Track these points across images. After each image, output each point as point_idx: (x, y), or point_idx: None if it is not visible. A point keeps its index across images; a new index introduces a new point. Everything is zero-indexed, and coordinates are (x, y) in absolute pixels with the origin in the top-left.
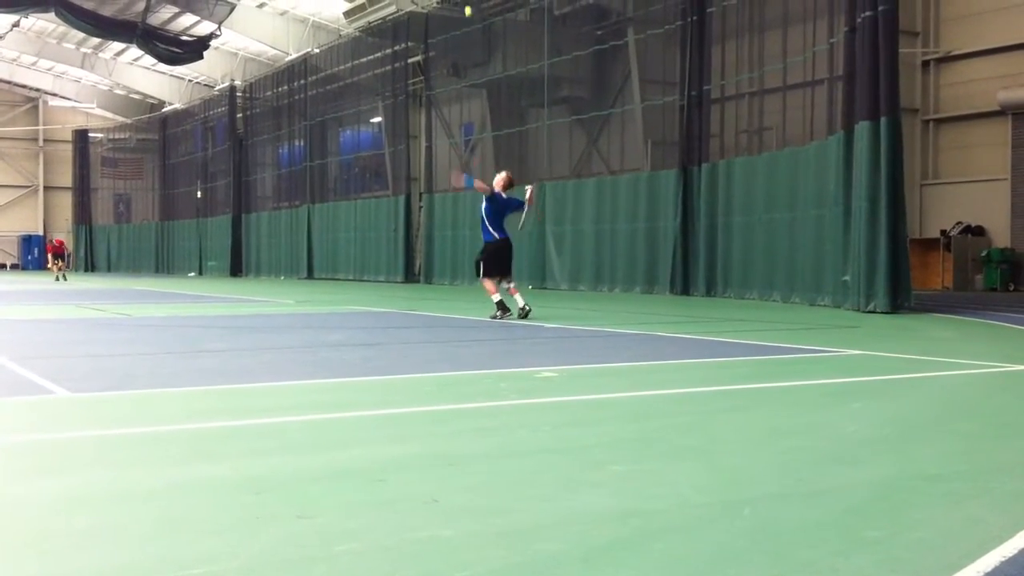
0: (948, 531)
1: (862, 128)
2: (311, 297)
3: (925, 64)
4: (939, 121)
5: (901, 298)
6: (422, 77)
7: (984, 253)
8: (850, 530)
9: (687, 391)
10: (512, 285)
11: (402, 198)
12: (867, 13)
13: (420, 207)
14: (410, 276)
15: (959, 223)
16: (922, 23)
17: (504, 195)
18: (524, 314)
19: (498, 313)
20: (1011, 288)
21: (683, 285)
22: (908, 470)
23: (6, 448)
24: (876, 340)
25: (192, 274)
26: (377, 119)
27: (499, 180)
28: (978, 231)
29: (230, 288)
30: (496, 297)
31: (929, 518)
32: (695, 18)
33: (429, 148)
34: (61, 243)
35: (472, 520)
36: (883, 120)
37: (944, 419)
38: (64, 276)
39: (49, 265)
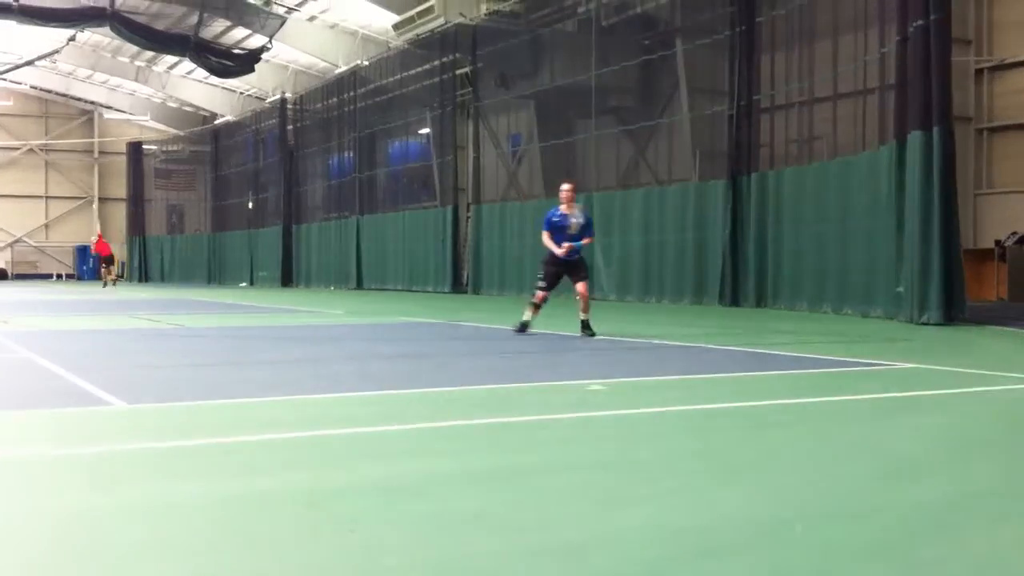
0: (1005, 552)
1: (914, 138)
2: (360, 308)
3: (979, 72)
4: (993, 130)
5: (955, 310)
6: (470, 88)
7: None
8: (906, 550)
9: (738, 405)
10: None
11: (450, 209)
12: (919, 22)
13: (468, 217)
14: (457, 287)
15: (1014, 233)
16: (975, 30)
17: (566, 215)
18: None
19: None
20: None
21: (732, 296)
22: (963, 488)
23: (66, 460)
24: (930, 353)
25: (243, 284)
26: (425, 130)
27: (563, 196)
28: None
29: (281, 298)
30: (587, 315)
31: (986, 538)
32: (744, 28)
33: (477, 159)
34: (107, 246)
35: (520, 535)
36: (935, 130)
37: (999, 435)
38: (112, 283)
39: (104, 274)
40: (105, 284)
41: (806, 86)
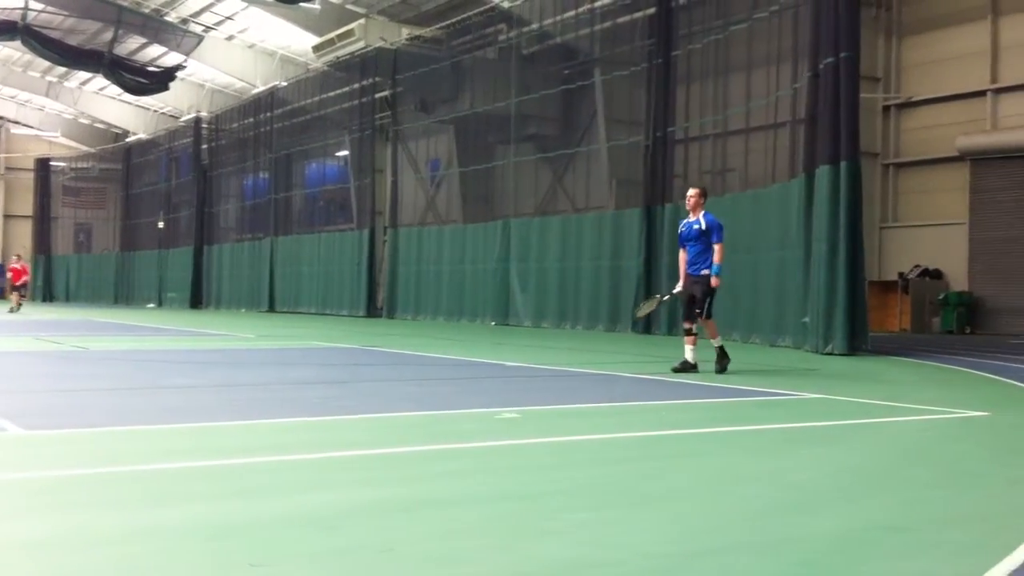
0: None
1: (823, 172)
2: (272, 331)
3: (886, 109)
4: (899, 165)
5: (858, 340)
6: (389, 112)
7: (941, 296)
8: None
9: (647, 435)
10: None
11: (366, 232)
12: (829, 59)
13: (384, 241)
14: (372, 310)
15: (917, 266)
16: (883, 69)
17: (689, 223)
18: (678, 368)
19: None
20: (967, 331)
21: (645, 324)
22: (863, 520)
23: None
24: (833, 383)
25: (151, 305)
26: (343, 153)
27: (688, 203)
28: (936, 274)
29: (190, 321)
30: (716, 341)
31: (882, 571)
32: (661, 60)
33: (395, 183)
34: (25, 270)
35: (428, 570)
36: (843, 164)
37: (899, 467)
38: (18, 307)
39: (10, 295)
40: (12, 309)
41: (720, 119)
